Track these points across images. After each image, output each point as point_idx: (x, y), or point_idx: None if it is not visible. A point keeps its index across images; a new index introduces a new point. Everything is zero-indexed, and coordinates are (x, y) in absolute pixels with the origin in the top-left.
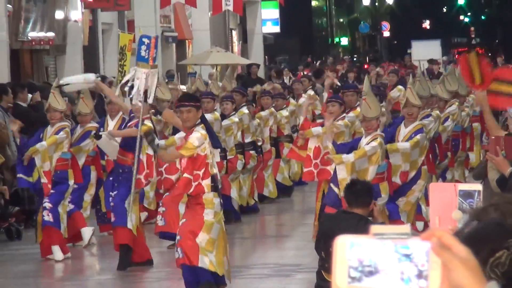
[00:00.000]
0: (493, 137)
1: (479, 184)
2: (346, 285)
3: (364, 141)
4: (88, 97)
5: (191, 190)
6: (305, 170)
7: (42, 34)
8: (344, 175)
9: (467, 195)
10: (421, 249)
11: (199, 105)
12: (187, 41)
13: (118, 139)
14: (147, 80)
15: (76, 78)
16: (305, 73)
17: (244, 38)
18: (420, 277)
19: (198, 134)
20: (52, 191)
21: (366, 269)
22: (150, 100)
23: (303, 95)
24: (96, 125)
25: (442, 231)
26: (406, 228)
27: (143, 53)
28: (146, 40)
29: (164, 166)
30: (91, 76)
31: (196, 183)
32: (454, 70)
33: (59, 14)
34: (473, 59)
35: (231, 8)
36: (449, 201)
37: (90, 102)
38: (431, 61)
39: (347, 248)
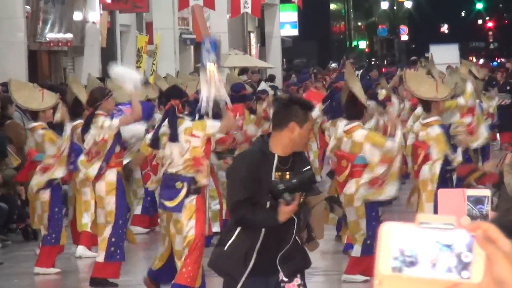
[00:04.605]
0: None
1: (487, 190)
2: (390, 272)
3: None
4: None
5: None
6: None
7: (60, 35)
8: None
9: (476, 201)
10: (464, 240)
11: None
12: None
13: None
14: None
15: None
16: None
17: (262, 41)
18: (462, 268)
19: None
20: None
21: (407, 259)
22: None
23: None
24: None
25: (488, 224)
26: (451, 218)
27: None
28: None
29: None
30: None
31: None
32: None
33: (77, 16)
34: None
35: (249, 10)
36: (457, 207)
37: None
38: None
39: (392, 235)
